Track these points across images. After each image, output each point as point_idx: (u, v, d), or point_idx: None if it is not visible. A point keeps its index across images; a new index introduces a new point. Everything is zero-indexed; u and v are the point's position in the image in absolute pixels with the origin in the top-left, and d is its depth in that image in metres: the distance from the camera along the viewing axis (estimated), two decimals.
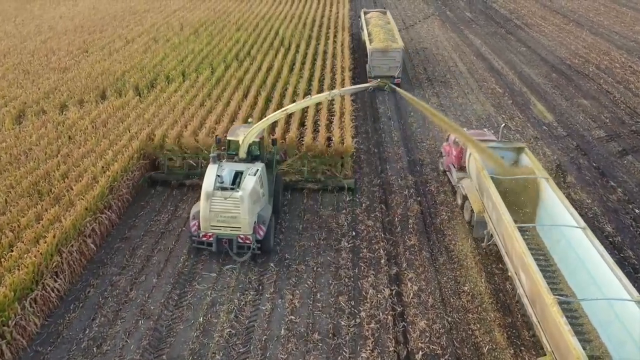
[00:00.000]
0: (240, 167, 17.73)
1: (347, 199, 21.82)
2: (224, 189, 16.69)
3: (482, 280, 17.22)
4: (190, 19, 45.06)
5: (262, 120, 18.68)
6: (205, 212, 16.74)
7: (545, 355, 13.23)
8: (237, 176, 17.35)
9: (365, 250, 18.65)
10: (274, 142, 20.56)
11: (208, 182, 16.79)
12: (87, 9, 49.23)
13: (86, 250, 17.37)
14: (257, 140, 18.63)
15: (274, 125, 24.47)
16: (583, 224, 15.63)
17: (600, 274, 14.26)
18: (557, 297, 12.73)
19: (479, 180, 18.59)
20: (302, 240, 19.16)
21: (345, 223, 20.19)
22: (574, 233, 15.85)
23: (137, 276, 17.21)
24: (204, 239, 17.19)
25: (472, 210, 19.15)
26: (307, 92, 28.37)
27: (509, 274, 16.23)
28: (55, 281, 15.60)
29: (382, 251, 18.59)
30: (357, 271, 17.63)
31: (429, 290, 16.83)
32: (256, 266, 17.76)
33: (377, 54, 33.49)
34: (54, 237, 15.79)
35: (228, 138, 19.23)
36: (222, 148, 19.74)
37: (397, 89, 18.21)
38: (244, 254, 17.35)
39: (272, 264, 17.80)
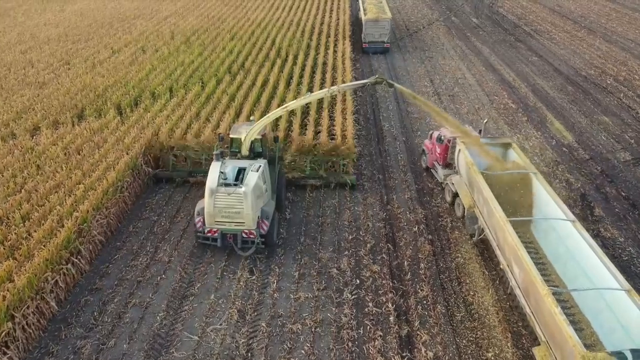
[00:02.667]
0: (243, 163, 18.02)
1: (350, 237, 19.37)
2: (227, 185, 16.95)
3: (509, 344, 14.75)
4: (182, 26, 42.59)
5: (264, 118, 18.84)
6: (209, 208, 16.97)
7: (539, 345, 13.43)
8: (240, 172, 17.62)
9: (371, 304, 16.19)
10: (276, 139, 20.68)
11: (212, 178, 17.00)
12: (74, 15, 46.70)
13: (46, 309, 14.90)
14: (260, 137, 18.97)
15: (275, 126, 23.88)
16: (572, 216, 16.03)
17: (589, 265, 14.58)
18: (551, 288, 13.07)
19: (469, 175, 18.79)
20: (299, 290, 16.70)
21: (348, 268, 17.75)
22: (563, 226, 16.17)
23: (105, 340, 14.73)
24: (209, 234, 17.41)
25: (463, 206, 19.38)
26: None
27: (501, 266, 16.37)
28: (5, 354, 13.12)
29: (390, 305, 16.13)
30: (362, 332, 15.18)
31: (447, 357, 14.37)
32: (245, 325, 15.32)
33: (370, 23, 41.28)
34: (4, 299, 13.33)
35: (231, 136, 19.40)
36: (226, 146, 19.68)
37: (395, 84, 18.56)
38: (248, 249, 17.54)
39: (263, 323, 15.34)
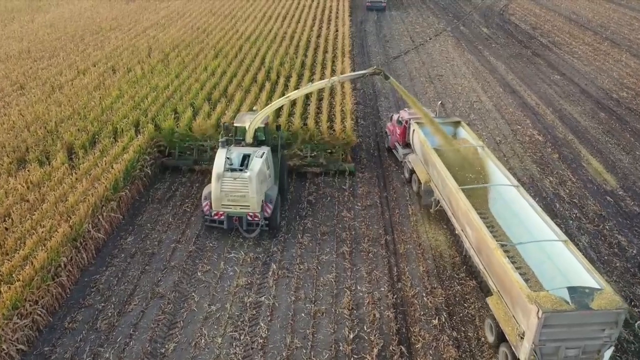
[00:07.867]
0: (247, 150, 18.82)
1: (351, 335, 14.86)
2: (233, 170, 17.77)
3: None
4: (162, 39, 37.98)
5: (267, 107, 19.69)
6: (216, 192, 17.77)
7: (492, 295, 14.53)
8: (245, 159, 18.40)
9: None
10: (278, 127, 21.36)
11: (218, 164, 17.78)
12: (42, 27, 42.00)
13: None
14: (263, 126, 19.76)
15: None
16: (516, 182, 17.76)
17: (531, 222, 16.21)
18: (499, 242, 14.52)
19: (424, 152, 20.13)
20: None
21: None
22: (508, 191, 17.81)
23: None
24: (216, 217, 18.19)
25: (419, 181, 20.76)
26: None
27: (456, 232, 17.61)
28: None
29: None
30: None
31: None
32: None
33: None
34: None
35: (235, 125, 19.99)
36: (230, 135, 20.02)
37: (390, 77, 19.91)
38: (253, 231, 18.32)
39: None
